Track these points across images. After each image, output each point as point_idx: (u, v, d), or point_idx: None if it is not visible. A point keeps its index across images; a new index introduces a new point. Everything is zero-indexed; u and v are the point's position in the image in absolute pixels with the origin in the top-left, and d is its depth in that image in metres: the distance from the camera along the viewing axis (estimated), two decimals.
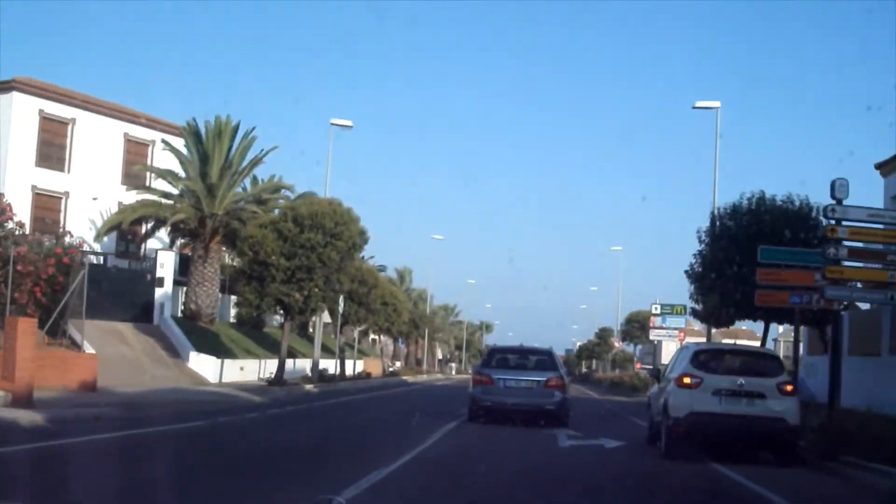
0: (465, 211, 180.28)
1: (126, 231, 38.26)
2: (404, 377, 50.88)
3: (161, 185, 37.36)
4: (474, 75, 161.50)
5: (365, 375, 42.21)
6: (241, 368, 33.31)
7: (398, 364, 66.14)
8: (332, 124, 34.29)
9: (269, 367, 32.97)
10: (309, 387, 30.46)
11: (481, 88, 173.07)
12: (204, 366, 30.91)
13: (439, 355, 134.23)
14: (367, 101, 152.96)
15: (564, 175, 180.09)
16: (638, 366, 71.67)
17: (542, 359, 19.50)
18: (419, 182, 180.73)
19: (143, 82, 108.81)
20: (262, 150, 37.41)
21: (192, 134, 37.04)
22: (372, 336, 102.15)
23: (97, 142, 38.35)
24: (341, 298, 34.29)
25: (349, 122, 34.31)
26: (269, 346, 41.30)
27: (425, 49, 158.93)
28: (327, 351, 42.97)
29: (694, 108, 29.71)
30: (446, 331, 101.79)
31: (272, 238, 26.21)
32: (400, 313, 46.14)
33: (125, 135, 40.28)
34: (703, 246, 22.58)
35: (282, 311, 28.35)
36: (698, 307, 24.62)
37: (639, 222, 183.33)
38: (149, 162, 39.60)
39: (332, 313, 33.36)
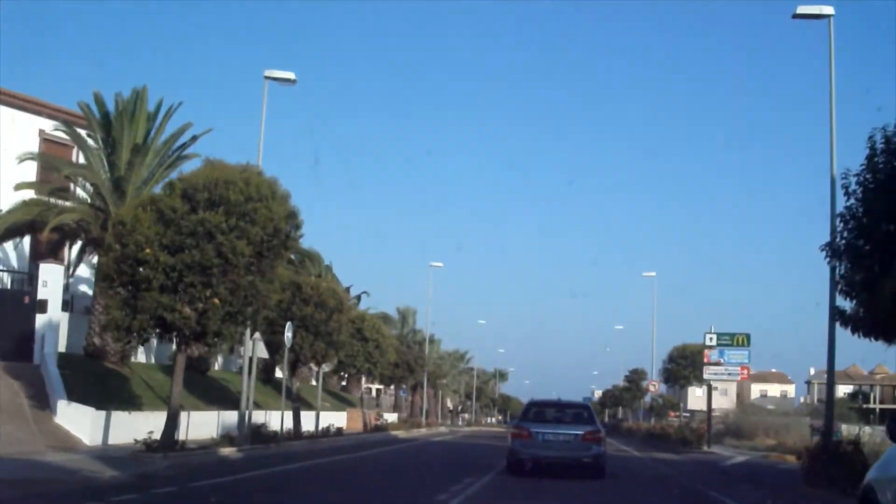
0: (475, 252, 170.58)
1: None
2: (394, 432, 41.21)
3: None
4: (490, 102, 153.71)
5: (335, 432, 32.25)
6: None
7: (390, 417, 56.45)
8: (266, 77, 25.45)
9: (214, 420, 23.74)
10: (227, 451, 20.85)
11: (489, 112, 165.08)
12: (78, 420, 21.41)
13: (449, 405, 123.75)
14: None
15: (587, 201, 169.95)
16: (672, 414, 61.69)
17: (580, 412, 19.81)
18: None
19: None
20: (192, 135, 28.40)
21: (100, 114, 27.88)
22: (368, 385, 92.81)
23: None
24: (289, 326, 24.85)
25: (290, 75, 25.32)
26: (218, 396, 31.83)
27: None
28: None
29: (794, 16, 19.98)
30: (451, 377, 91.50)
31: (148, 221, 16.81)
32: (384, 351, 36.57)
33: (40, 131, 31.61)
34: (853, 201, 13.13)
35: (165, 336, 18.41)
36: (850, 306, 14.61)
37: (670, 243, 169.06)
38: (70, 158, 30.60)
39: (270, 345, 24.04)
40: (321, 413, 33.66)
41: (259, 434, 23.71)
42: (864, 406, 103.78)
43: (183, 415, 22.06)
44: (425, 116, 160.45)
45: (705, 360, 33.27)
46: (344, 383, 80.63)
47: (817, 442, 21.65)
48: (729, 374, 32.84)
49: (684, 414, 59.63)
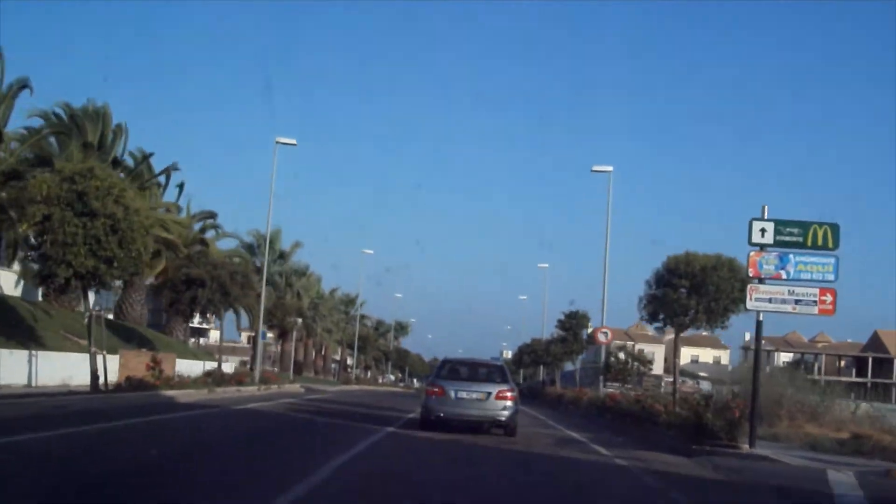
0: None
1: None
2: (167, 392, 22.80)
3: None
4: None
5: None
6: None
7: (228, 368, 38.98)
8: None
9: None
10: None
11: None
12: None
13: (337, 358, 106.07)
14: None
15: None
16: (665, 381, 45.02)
17: (493, 371, 19.87)
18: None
19: None
20: None
21: None
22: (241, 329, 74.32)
23: None
24: None
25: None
26: None
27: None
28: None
29: None
30: (336, 324, 73.02)
31: None
32: (129, 238, 19.30)
33: None
34: None
35: None
36: None
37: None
38: None
39: None
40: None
41: None
42: (809, 377, 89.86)
43: None
44: None
45: (751, 273, 16.84)
46: (197, 322, 62.79)
47: None
48: (799, 300, 16.49)
49: (684, 379, 45.15)
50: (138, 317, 40.95)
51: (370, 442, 15.31)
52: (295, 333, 63.04)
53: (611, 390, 35.02)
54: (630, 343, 55.41)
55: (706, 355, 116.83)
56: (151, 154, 39.73)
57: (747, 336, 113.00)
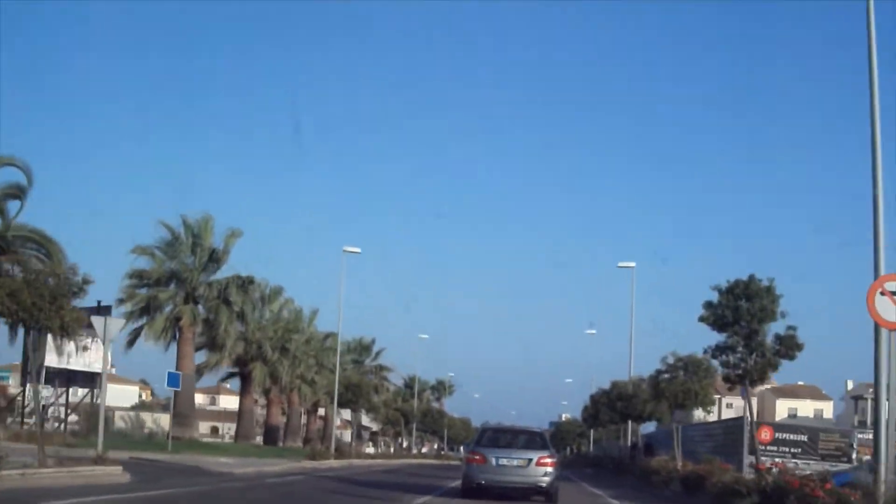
0: None
1: None
2: None
3: None
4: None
5: None
6: None
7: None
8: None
9: None
10: None
11: None
12: None
13: (370, 425, 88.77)
14: None
15: None
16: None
17: (533, 437, 20.27)
18: None
19: None
20: None
21: None
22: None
23: None
24: None
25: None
26: None
27: None
28: None
29: None
30: (313, 364, 54.22)
31: None
32: None
33: None
34: None
35: None
36: None
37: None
38: None
39: None
40: None
41: None
42: None
43: None
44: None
45: None
46: None
47: None
48: None
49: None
50: None
51: None
52: (260, 383, 46.71)
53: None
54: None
55: (805, 408, 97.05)
56: None
57: (850, 384, 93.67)
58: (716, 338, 20.52)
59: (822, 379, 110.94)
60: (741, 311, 19.30)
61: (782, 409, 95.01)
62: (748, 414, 23.08)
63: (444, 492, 21.17)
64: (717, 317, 19.78)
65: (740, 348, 19.58)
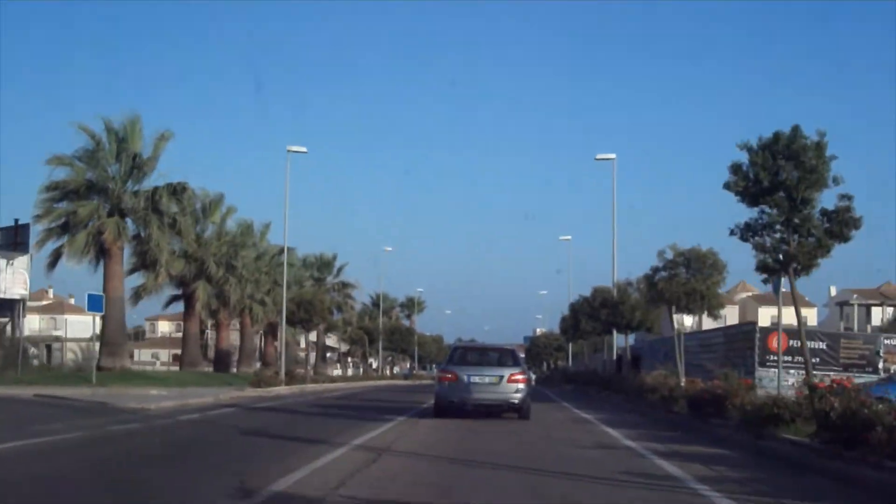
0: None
1: None
2: None
3: None
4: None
5: None
6: None
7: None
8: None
9: None
10: None
11: None
12: None
13: (334, 345, 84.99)
14: None
15: None
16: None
17: (504, 354, 20.32)
18: None
19: None
20: None
21: None
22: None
23: None
24: None
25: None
26: None
27: None
28: None
29: None
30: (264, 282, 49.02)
31: None
32: None
33: None
34: None
35: None
36: None
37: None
38: None
39: None
40: None
41: None
42: None
43: None
44: None
45: None
46: None
47: None
48: None
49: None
50: None
51: None
52: (205, 304, 42.13)
53: None
54: None
55: (788, 316, 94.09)
56: None
57: (833, 290, 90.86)
58: (740, 214, 15.87)
59: (802, 285, 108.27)
60: (782, 174, 14.76)
61: (765, 316, 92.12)
62: (789, 317, 18.48)
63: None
64: (748, 183, 15.17)
65: (779, 226, 15.09)
